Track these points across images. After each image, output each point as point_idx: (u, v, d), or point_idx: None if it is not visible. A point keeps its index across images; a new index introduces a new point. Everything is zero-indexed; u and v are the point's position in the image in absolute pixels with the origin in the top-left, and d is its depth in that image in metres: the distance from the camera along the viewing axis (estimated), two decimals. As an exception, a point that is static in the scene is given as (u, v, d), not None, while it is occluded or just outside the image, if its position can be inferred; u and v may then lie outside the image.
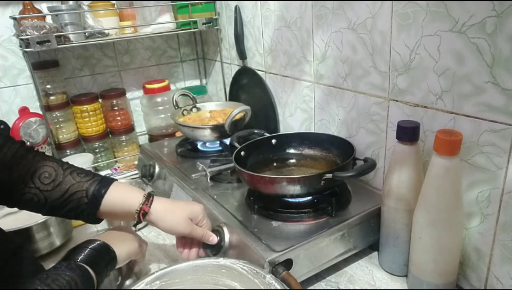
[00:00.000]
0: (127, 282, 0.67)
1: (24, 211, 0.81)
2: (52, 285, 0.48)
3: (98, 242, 0.60)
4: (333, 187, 0.74)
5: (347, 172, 0.66)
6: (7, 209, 0.84)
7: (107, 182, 0.63)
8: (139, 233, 0.89)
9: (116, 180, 0.65)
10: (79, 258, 0.55)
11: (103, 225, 0.91)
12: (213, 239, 0.68)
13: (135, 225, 0.74)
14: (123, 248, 0.64)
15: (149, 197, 0.64)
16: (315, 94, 0.92)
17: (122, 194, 0.63)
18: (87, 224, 0.91)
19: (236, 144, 0.85)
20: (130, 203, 0.63)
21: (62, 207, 0.61)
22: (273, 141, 0.89)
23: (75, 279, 0.50)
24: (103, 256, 0.59)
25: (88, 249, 0.58)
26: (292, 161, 0.88)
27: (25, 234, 0.77)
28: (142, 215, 0.63)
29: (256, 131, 0.95)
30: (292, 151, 0.89)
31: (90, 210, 0.62)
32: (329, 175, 0.65)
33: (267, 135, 0.91)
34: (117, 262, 0.62)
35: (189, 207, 0.67)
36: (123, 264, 0.65)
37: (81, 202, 0.61)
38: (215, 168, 0.86)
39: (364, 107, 0.79)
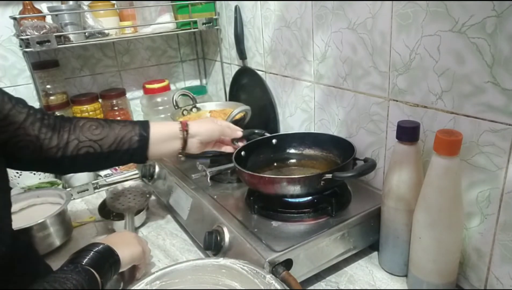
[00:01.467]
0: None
1: (24, 211, 0.81)
2: (60, 289, 0.48)
3: (103, 245, 0.60)
4: (333, 187, 0.74)
5: (347, 172, 0.66)
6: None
7: (145, 122, 0.70)
8: (141, 236, 0.89)
9: (148, 122, 0.71)
10: (84, 261, 0.56)
11: (104, 228, 0.91)
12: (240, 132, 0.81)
13: (181, 153, 0.75)
14: (126, 251, 0.65)
15: (183, 123, 0.73)
16: (315, 94, 0.92)
17: (162, 126, 0.71)
18: (86, 224, 0.93)
19: (236, 144, 0.85)
20: (171, 129, 0.71)
21: (117, 151, 0.66)
22: (274, 141, 0.89)
23: (81, 283, 0.51)
24: (108, 259, 0.60)
25: (92, 252, 0.58)
26: (293, 161, 0.88)
27: (25, 234, 0.77)
28: (186, 131, 0.72)
29: (256, 131, 0.94)
30: (292, 151, 0.89)
31: (142, 148, 0.68)
32: (329, 175, 0.65)
33: (268, 135, 0.91)
34: (121, 266, 0.62)
35: (217, 126, 0.78)
36: (126, 269, 0.66)
37: (133, 142, 0.67)
38: (215, 168, 0.86)
39: (364, 107, 0.79)
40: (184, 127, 0.73)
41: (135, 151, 0.67)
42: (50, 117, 0.65)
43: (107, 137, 0.65)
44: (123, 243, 0.66)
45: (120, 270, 0.63)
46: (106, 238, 0.67)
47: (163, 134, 0.71)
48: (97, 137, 0.64)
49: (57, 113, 1.18)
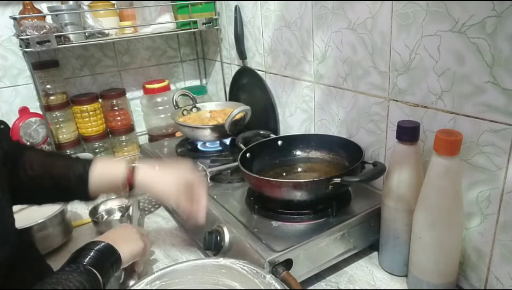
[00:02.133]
0: (130, 283, 0.67)
1: (24, 211, 0.81)
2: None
3: (103, 244, 0.60)
4: (341, 192, 0.72)
5: (356, 177, 0.65)
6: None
7: (89, 161, 0.63)
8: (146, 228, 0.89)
9: (92, 160, 0.64)
10: (86, 261, 0.55)
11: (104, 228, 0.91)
12: (201, 219, 0.65)
13: (127, 194, 0.69)
14: (127, 249, 0.63)
15: (133, 168, 0.63)
16: (315, 94, 0.92)
17: (106, 168, 0.63)
18: (87, 224, 0.93)
19: (242, 146, 0.85)
20: (114, 176, 0.62)
21: (55, 191, 0.63)
22: (279, 142, 0.88)
23: (83, 284, 0.50)
24: (109, 258, 0.59)
25: (93, 251, 0.57)
26: (299, 163, 0.86)
27: (27, 233, 0.77)
28: (128, 188, 0.63)
29: (261, 132, 0.94)
30: (298, 153, 0.88)
31: (80, 189, 0.62)
32: (338, 180, 0.64)
33: (273, 136, 0.90)
34: (122, 263, 0.62)
35: (181, 174, 0.65)
36: (127, 265, 0.65)
37: (71, 183, 0.61)
38: (215, 168, 0.86)
39: (364, 107, 0.79)
40: (129, 181, 0.63)
41: (74, 189, 0.63)
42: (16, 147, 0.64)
43: (43, 176, 0.62)
44: (124, 240, 0.65)
45: (122, 267, 0.63)
46: (107, 235, 0.66)
47: (103, 177, 0.63)
48: (34, 174, 0.62)
49: (57, 113, 1.18)
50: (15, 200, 0.58)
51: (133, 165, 0.64)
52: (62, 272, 0.52)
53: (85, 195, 0.63)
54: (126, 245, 0.64)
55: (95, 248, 0.58)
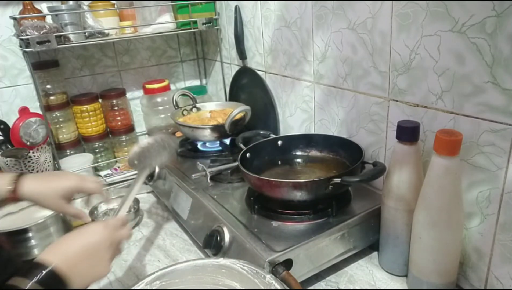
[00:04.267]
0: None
1: (24, 211, 0.81)
2: None
3: (49, 271, 0.44)
4: (341, 192, 0.73)
5: (356, 177, 0.65)
6: (7, 209, 0.84)
7: None
8: (140, 234, 0.89)
9: None
10: None
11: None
12: (85, 218, 0.67)
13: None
14: (85, 279, 0.49)
15: (16, 181, 0.62)
16: (315, 94, 0.92)
17: None
18: (87, 223, 0.92)
19: (242, 146, 0.85)
20: None
21: None
22: (279, 142, 0.88)
23: None
24: None
25: (32, 282, 0.43)
26: (299, 163, 0.86)
27: (25, 234, 0.77)
28: (12, 201, 0.63)
29: (261, 132, 0.94)
30: (298, 152, 0.88)
31: None
32: (338, 180, 0.64)
33: (273, 136, 0.90)
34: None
35: (61, 184, 0.64)
36: None
37: None
38: (215, 168, 0.86)
39: (364, 107, 0.79)
40: (14, 192, 0.61)
41: None
42: None
43: None
44: (86, 262, 0.49)
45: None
46: (64, 248, 0.49)
47: None
48: None
49: (57, 113, 1.18)
50: None
51: (16, 179, 0.62)
52: None
53: None
54: (84, 269, 0.49)
55: (36, 279, 0.43)
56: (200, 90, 1.42)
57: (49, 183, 0.64)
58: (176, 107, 1.13)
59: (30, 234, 0.78)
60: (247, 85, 1.19)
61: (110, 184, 1.14)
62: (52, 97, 1.17)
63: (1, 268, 0.53)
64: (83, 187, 0.66)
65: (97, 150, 1.27)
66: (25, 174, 0.64)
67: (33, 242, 0.78)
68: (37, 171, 1.02)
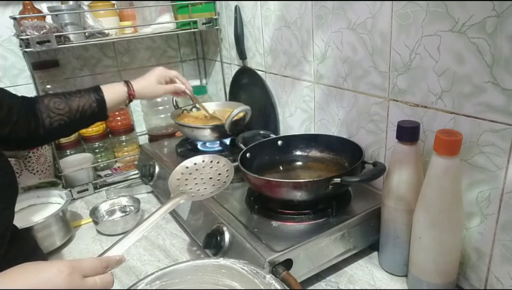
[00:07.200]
0: None
1: (24, 211, 0.81)
2: None
3: None
4: (341, 192, 0.73)
5: (357, 177, 0.65)
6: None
7: (96, 87, 0.81)
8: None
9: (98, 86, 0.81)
10: None
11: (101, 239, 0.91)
12: (181, 87, 0.95)
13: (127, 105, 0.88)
14: None
15: (128, 84, 0.85)
16: (315, 94, 0.92)
17: (112, 91, 0.82)
18: (86, 224, 0.93)
19: (242, 146, 0.85)
20: (120, 96, 0.83)
21: (82, 117, 0.78)
22: (279, 142, 0.88)
23: None
24: None
25: None
26: (299, 163, 0.86)
27: (25, 234, 0.77)
28: (132, 98, 0.85)
29: (261, 132, 0.94)
30: (298, 153, 0.88)
31: (103, 109, 0.80)
32: (338, 180, 0.64)
33: (273, 136, 0.90)
34: None
35: (153, 74, 0.90)
36: None
37: (93, 107, 0.78)
38: (215, 168, 0.86)
39: (364, 107, 0.79)
40: (131, 92, 0.84)
41: (97, 114, 0.80)
42: (24, 101, 0.73)
43: (70, 109, 0.76)
44: None
45: None
46: (3, 282, 0.39)
47: (114, 97, 0.82)
48: (63, 111, 0.75)
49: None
50: (35, 143, 0.81)
51: (127, 83, 0.85)
52: None
53: (105, 115, 0.82)
54: None
55: None
56: (200, 90, 1.42)
57: (145, 79, 0.88)
58: (176, 107, 1.13)
59: (30, 234, 0.78)
60: (247, 85, 1.19)
61: (110, 184, 1.14)
62: (52, 97, 1.17)
63: (30, 254, 0.63)
64: (166, 73, 0.92)
65: (97, 150, 1.27)
66: (128, 80, 0.86)
67: (33, 242, 0.79)
68: (37, 171, 1.02)
